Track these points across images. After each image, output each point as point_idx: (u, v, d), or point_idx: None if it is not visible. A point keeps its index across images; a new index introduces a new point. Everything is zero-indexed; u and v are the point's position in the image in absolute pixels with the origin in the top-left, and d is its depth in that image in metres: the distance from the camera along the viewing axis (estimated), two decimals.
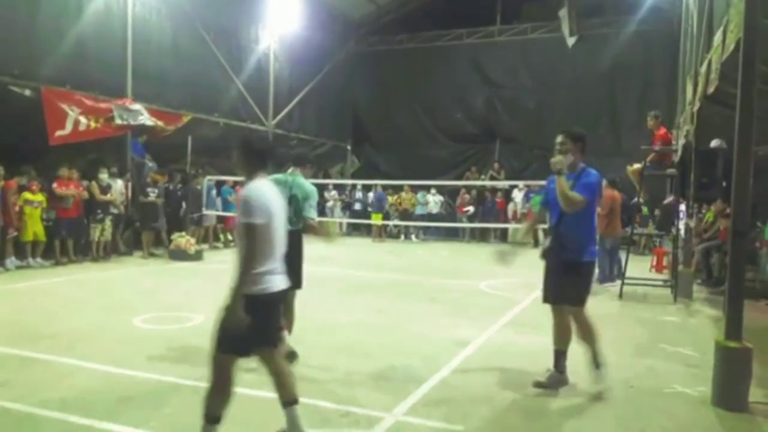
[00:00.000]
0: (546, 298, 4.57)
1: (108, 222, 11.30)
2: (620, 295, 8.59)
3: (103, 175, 11.42)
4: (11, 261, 9.90)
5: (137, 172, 12.84)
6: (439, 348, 5.60)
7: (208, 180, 14.15)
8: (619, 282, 8.85)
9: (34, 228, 10.16)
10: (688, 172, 8.81)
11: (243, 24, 16.29)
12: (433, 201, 18.10)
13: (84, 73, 11.60)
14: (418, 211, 17.98)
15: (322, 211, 18.83)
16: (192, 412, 3.39)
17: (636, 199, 10.23)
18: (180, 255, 11.65)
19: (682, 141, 9.66)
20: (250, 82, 16.30)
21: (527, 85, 19.37)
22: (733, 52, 4.58)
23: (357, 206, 18.84)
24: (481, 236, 17.81)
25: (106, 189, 11.35)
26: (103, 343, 5.47)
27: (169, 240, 12.11)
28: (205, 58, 14.71)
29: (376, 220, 17.59)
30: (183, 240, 11.91)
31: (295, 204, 5.01)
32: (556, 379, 4.51)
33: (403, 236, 18.15)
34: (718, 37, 5.51)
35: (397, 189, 18.13)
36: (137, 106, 12.30)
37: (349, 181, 19.84)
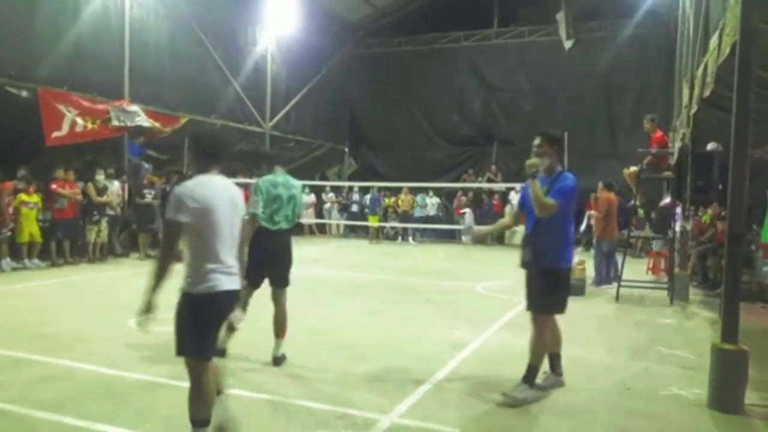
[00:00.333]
0: (530, 306, 4.48)
1: (104, 223, 11.27)
2: (617, 298, 8.59)
3: (100, 177, 11.39)
4: (7, 262, 9.86)
5: (134, 173, 12.82)
6: (435, 350, 5.60)
7: None
8: (615, 284, 8.87)
9: (30, 229, 10.13)
10: (685, 175, 8.85)
11: (240, 26, 16.30)
12: (431, 203, 18.13)
13: (81, 74, 11.59)
14: (417, 213, 18.00)
15: (319, 213, 18.85)
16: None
17: (633, 202, 10.25)
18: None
19: (678, 144, 9.69)
20: (248, 84, 16.31)
21: (524, 88, 19.42)
22: (729, 55, 4.60)
23: (354, 208, 18.83)
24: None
25: (102, 190, 11.32)
26: (99, 345, 5.45)
27: None
28: (202, 60, 14.72)
29: (373, 222, 17.60)
30: None
31: (293, 203, 5.03)
32: (552, 381, 4.52)
33: (400, 238, 18.16)
34: (714, 41, 5.53)
35: (394, 191, 18.14)
36: (134, 108, 12.28)
37: (346, 183, 19.84)
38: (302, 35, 17.87)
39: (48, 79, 10.92)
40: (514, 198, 17.15)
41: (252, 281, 4.86)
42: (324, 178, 20.98)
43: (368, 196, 18.13)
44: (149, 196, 12.05)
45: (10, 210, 9.85)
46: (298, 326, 6.39)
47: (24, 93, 10.56)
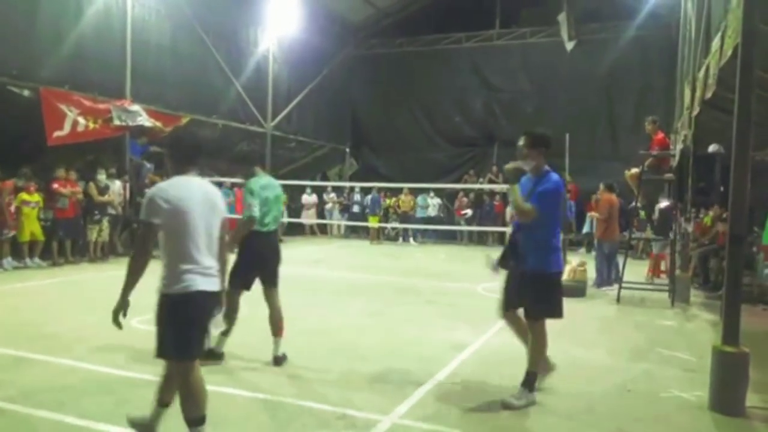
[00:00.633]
0: (506, 307, 4.42)
1: (105, 223, 11.29)
2: (618, 299, 8.59)
3: (101, 176, 11.40)
4: (8, 261, 9.88)
5: (135, 173, 12.82)
6: (436, 351, 5.60)
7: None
8: (616, 286, 8.86)
9: (31, 228, 10.15)
10: (686, 177, 8.83)
11: (242, 26, 16.31)
12: (432, 204, 18.13)
13: (83, 73, 11.59)
14: (419, 214, 18.00)
15: (321, 214, 18.87)
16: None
17: (634, 204, 10.24)
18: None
19: (680, 146, 9.69)
20: (249, 84, 16.32)
21: (526, 89, 19.41)
22: (731, 57, 4.60)
23: (355, 209, 18.84)
24: (479, 239, 17.85)
25: (104, 190, 11.34)
26: (101, 344, 5.45)
27: None
28: (204, 60, 14.73)
29: (373, 222, 17.60)
30: None
31: (279, 203, 5.13)
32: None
33: (401, 239, 18.16)
34: (716, 43, 5.54)
35: (395, 192, 18.14)
36: (136, 107, 12.28)
37: (348, 184, 19.85)
38: (304, 36, 17.87)
39: (50, 79, 10.92)
40: None
41: (243, 283, 4.92)
42: (325, 178, 21.00)
43: (369, 197, 18.14)
44: None
45: (12, 209, 9.87)
46: (298, 327, 6.39)
47: (26, 92, 10.57)
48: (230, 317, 4.93)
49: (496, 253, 4.83)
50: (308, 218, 18.33)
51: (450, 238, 18.19)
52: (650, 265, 11.41)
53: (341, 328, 6.50)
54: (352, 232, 19.34)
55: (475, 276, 10.53)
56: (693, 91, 8.05)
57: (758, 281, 8.94)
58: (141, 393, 4.24)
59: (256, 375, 4.74)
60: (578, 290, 8.87)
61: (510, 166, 4.30)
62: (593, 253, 10.82)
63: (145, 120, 12.36)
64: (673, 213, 9.44)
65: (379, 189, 18.03)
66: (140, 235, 3.18)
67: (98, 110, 11.66)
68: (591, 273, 9.59)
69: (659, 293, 9.05)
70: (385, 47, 21.02)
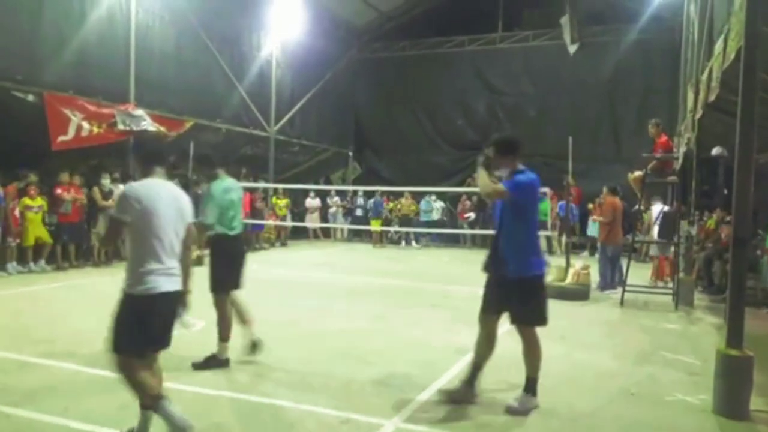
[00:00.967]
0: (486, 310, 4.36)
1: None
2: (621, 303, 8.57)
3: (105, 181, 11.42)
4: (13, 266, 9.91)
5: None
6: (439, 355, 5.59)
7: None
8: (620, 289, 8.84)
9: (37, 233, 10.17)
10: (690, 180, 8.83)
11: (245, 31, 16.34)
12: (435, 207, 18.12)
13: (87, 78, 11.62)
14: (423, 218, 17.99)
15: (324, 217, 18.88)
16: (194, 418, 3.39)
17: (637, 207, 10.22)
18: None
19: (683, 149, 9.67)
20: (253, 89, 16.36)
21: (529, 92, 19.41)
22: (734, 60, 4.60)
23: (358, 212, 18.85)
24: (482, 243, 17.80)
25: (108, 195, 11.35)
26: (104, 348, 5.45)
27: None
28: (207, 65, 14.77)
29: (375, 226, 17.60)
30: None
31: (241, 205, 5.21)
32: (464, 393, 4.30)
33: (404, 242, 18.15)
34: (719, 46, 5.54)
35: (398, 195, 18.15)
36: (140, 112, 12.30)
37: (351, 187, 19.86)
38: (307, 40, 17.91)
39: (54, 84, 10.96)
40: None
41: (225, 287, 5.01)
42: (328, 182, 21.02)
43: (372, 201, 18.15)
44: None
45: (16, 213, 9.90)
46: (302, 331, 6.40)
47: (30, 97, 10.61)
48: (227, 323, 4.97)
49: None
50: (312, 222, 18.33)
51: (453, 241, 18.17)
52: (654, 269, 11.38)
53: (344, 332, 6.50)
54: (356, 236, 19.34)
55: (479, 279, 10.49)
56: (696, 93, 8.04)
57: (762, 284, 8.92)
58: None
59: (258, 379, 4.74)
60: (582, 294, 8.85)
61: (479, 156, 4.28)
62: (597, 257, 10.80)
63: (149, 124, 12.37)
64: (676, 216, 9.42)
65: (382, 193, 18.03)
66: (109, 230, 3.45)
67: (102, 115, 11.68)
68: (594, 276, 9.57)
69: (663, 296, 9.02)
70: (388, 51, 21.05)
